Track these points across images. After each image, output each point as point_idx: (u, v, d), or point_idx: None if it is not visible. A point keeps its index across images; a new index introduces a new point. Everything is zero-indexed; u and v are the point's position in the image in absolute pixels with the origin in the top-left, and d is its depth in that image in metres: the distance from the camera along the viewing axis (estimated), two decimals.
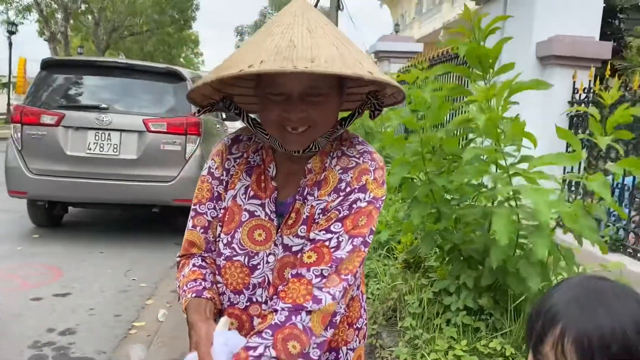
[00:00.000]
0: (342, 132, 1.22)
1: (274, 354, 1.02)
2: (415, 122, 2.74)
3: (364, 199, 1.14)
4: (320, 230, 1.13)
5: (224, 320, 1.11)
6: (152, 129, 5.42)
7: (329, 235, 1.11)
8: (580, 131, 4.72)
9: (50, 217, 6.12)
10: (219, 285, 1.23)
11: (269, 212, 1.20)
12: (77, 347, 3.36)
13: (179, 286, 1.24)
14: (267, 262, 1.18)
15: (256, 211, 1.20)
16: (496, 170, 2.44)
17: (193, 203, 1.28)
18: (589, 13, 5.01)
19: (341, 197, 1.15)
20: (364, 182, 1.15)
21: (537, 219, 2.13)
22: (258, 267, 1.18)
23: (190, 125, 5.53)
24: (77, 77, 5.79)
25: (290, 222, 1.18)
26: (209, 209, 1.26)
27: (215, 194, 1.25)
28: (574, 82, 4.78)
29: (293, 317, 1.05)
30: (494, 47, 2.35)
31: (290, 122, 1.11)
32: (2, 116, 26.78)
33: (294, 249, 1.17)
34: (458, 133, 3.17)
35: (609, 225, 4.14)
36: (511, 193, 2.35)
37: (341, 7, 13.24)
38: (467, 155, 2.28)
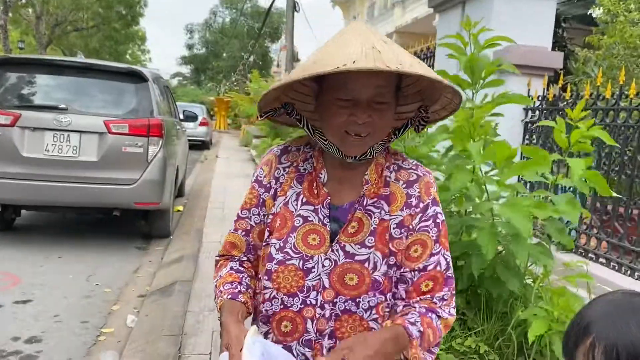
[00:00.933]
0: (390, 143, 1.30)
1: (422, 328, 1.15)
2: None
3: (439, 211, 1.26)
4: (424, 258, 1.23)
5: (254, 329, 1.15)
6: (114, 131, 5.30)
7: (434, 259, 1.23)
8: (534, 136, 4.99)
9: (2, 220, 5.88)
10: (266, 290, 1.26)
11: (322, 217, 1.25)
12: (45, 355, 3.27)
13: (216, 285, 1.30)
14: (323, 266, 1.22)
15: (309, 216, 1.25)
16: (472, 182, 2.56)
17: (239, 209, 1.35)
18: (542, 24, 5.27)
19: (420, 214, 1.24)
20: (433, 195, 1.27)
21: (518, 234, 2.27)
22: (312, 270, 1.22)
23: (153, 126, 5.44)
24: (35, 76, 5.59)
25: (351, 230, 1.23)
26: (253, 215, 1.33)
27: (261, 201, 1.32)
28: (529, 90, 5.03)
29: (430, 314, 1.19)
30: (491, 62, 2.49)
31: (356, 126, 1.16)
32: None
33: (357, 257, 1.22)
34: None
35: None
36: (491, 212, 2.48)
37: (297, 8, 13.27)
38: (450, 166, 2.39)
